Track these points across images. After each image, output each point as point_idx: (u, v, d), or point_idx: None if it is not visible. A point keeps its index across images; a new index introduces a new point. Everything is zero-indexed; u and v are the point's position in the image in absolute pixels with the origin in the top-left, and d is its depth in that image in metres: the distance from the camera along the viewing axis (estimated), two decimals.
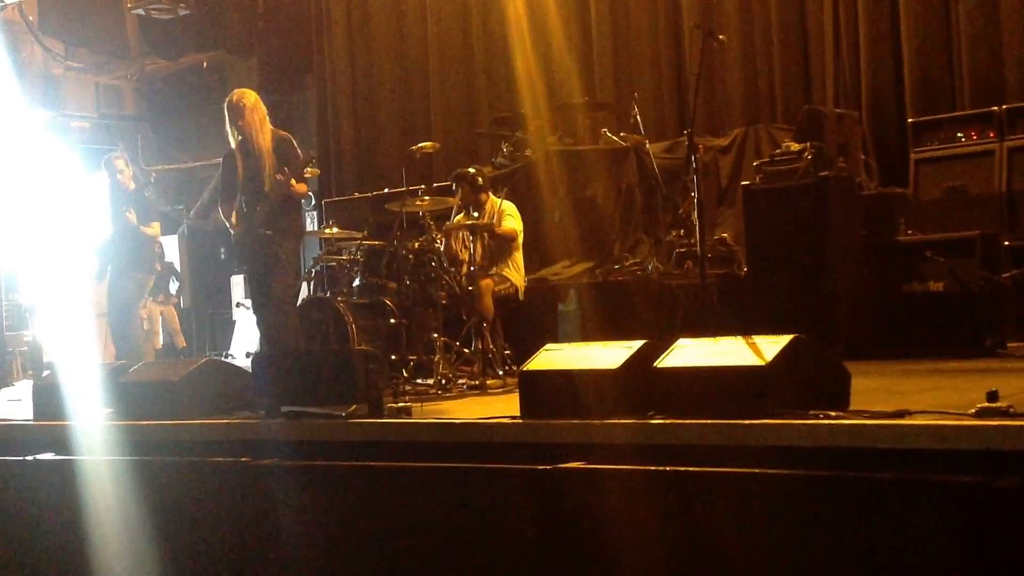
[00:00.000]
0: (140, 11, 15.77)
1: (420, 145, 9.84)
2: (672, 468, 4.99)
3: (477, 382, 8.48)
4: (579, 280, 10.33)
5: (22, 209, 13.36)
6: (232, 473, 6.32)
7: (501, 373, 8.78)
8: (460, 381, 8.63)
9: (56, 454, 7.18)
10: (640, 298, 9.89)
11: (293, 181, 8.16)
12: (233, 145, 8.35)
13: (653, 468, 5.04)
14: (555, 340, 8.08)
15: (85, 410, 7.49)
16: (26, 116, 15.08)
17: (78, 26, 17.14)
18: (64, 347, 9.49)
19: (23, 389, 10.53)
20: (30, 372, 14.30)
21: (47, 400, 7.77)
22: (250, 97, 8.30)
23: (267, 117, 8.34)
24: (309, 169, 9.04)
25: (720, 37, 8.76)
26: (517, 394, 6.01)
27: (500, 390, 8.23)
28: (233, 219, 8.36)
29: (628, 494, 5.02)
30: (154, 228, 10.73)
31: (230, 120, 8.26)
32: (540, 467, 5.33)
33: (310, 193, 12.78)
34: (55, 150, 16.24)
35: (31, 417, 7.89)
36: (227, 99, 8.32)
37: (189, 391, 7.22)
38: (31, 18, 16.59)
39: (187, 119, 18.21)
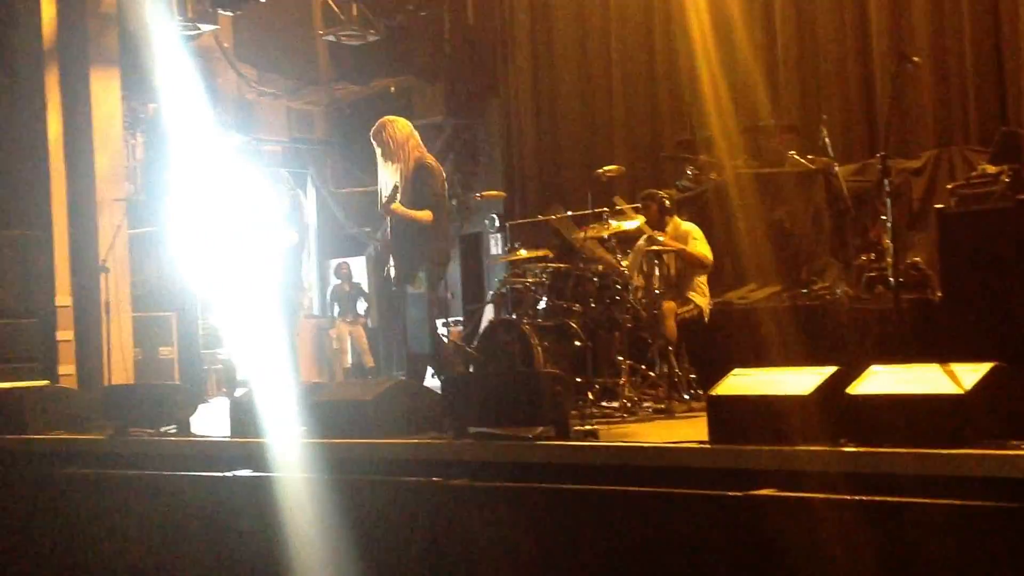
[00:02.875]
0: (331, 37, 16.16)
1: (605, 168, 9.85)
2: (880, 498, 4.89)
3: (663, 406, 8.46)
4: (766, 304, 10.23)
5: (217, 232, 13.73)
6: (425, 493, 6.42)
7: (687, 397, 8.72)
8: (646, 404, 8.62)
9: (253, 470, 7.37)
10: (830, 323, 9.75)
11: (398, 207, 8.62)
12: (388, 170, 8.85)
13: (862, 498, 4.94)
14: (743, 365, 8.00)
15: (280, 428, 7.65)
16: (220, 141, 15.48)
17: (271, 52, 17.62)
18: (257, 366, 9.70)
19: (219, 406, 10.82)
20: (224, 389, 14.72)
21: (243, 417, 7.94)
22: (393, 125, 8.92)
23: (418, 144, 8.69)
24: (494, 192, 9.18)
25: (915, 59, 8.58)
26: (704, 418, 5.96)
27: (686, 414, 8.20)
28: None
29: (826, 524, 4.94)
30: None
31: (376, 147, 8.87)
32: (731, 493, 5.29)
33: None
34: (247, 174, 16.63)
35: (228, 434, 8.10)
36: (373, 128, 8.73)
37: (380, 411, 7.32)
38: (226, 45, 17.06)
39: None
